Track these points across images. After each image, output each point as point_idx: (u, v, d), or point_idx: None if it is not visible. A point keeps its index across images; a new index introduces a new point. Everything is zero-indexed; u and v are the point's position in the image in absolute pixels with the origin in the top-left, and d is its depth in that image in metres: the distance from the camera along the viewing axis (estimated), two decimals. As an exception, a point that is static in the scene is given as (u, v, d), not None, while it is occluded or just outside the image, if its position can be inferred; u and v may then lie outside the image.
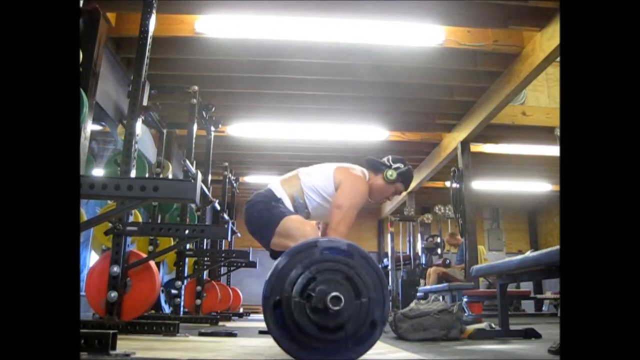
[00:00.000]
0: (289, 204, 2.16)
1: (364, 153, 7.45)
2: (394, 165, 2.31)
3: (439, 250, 7.61)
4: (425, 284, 6.48)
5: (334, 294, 1.36)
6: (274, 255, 2.09)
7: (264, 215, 2.12)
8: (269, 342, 2.66)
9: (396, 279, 7.98)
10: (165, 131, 5.11)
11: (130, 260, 2.82)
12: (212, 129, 5.48)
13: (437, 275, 6.33)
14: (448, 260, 6.94)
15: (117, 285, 2.70)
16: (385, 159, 2.35)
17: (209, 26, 4.49)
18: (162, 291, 5.24)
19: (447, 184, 7.26)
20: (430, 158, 7.93)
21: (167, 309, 5.29)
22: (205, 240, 5.35)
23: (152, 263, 2.96)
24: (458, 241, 6.81)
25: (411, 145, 7.61)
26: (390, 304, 7.88)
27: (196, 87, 4.59)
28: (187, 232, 3.07)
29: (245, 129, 6.85)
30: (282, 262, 1.46)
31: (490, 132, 6.52)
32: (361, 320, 1.40)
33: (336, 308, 1.34)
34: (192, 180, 1.57)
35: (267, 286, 1.44)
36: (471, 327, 3.00)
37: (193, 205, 5.29)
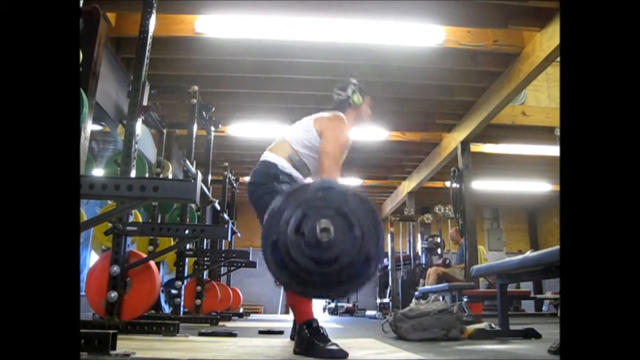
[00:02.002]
0: (287, 166, 2.15)
1: (365, 153, 7.51)
2: (349, 90, 2.43)
3: (439, 250, 7.61)
4: (424, 284, 6.47)
5: (323, 225, 1.38)
6: None
7: (266, 201, 2.13)
8: (269, 342, 2.66)
9: (396, 279, 7.98)
10: (165, 131, 5.11)
11: (130, 260, 2.82)
12: (212, 129, 5.48)
13: (436, 276, 6.32)
14: (448, 260, 6.94)
15: (117, 285, 2.69)
16: (338, 94, 2.47)
17: (209, 26, 4.49)
18: (162, 291, 5.24)
19: (447, 184, 7.26)
20: (430, 158, 7.93)
21: (167, 309, 5.29)
22: (205, 240, 5.34)
23: (152, 263, 2.96)
24: (461, 238, 6.80)
25: (411, 145, 7.61)
26: (390, 304, 7.89)
27: (196, 87, 4.59)
28: (187, 232, 3.07)
29: (245, 129, 6.85)
30: (277, 204, 1.50)
31: (490, 132, 6.53)
32: (355, 254, 1.42)
33: (325, 239, 1.36)
34: (192, 180, 1.57)
35: (265, 228, 1.47)
36: (471, 327, 2.99)
37: (193, 205, 5.28)
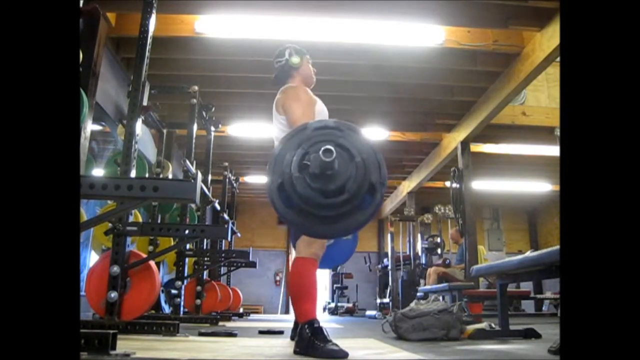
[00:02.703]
0: None
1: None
2: (285, 54, 2.56)
3: (439, 250, 7.61)
4: (425, 284, 6.47)
5: (324, 147, 1.37)
6: None
7: None
8: (269, 342, 2.66)
9: (396, 279, 7.98)
10: (165, 131, 5.11)
11: (130, 260, 2.82)
12: (212, 129, 5.48)
13: (437, 276, 6.32)
14: (448, 260, 6.94)
15: (117, 285, 2.69)
16: (278, 62, 2.58)
17: (209, 26, 4.49)
18: (162, 291, 5.24)
19: (447, 184, 7.26)
20: (430, 158, 7.93)
21: (167, 309, 5.29)
22: (205, 240, 5.34)
23: (152, 263, 2.96)
24: (461, 238, 6.80)
25: (411, 145, 7.61)
26: (390, 304, 7.89)
27: (196, 87, 4.59)
28: (187, 232, 3.07)
29: (245, 129, 6.85)
30: (277, 149, 1.51)
31: (490, 132, 6.53)
32: (359, 181, 1.42)
33: (329, 159, 1.36)
34: (192, 180, 1.57)
35: (269, 174, 1.48)
36: (471, 327, 2.99)
37: (193, 205, 5.29)
